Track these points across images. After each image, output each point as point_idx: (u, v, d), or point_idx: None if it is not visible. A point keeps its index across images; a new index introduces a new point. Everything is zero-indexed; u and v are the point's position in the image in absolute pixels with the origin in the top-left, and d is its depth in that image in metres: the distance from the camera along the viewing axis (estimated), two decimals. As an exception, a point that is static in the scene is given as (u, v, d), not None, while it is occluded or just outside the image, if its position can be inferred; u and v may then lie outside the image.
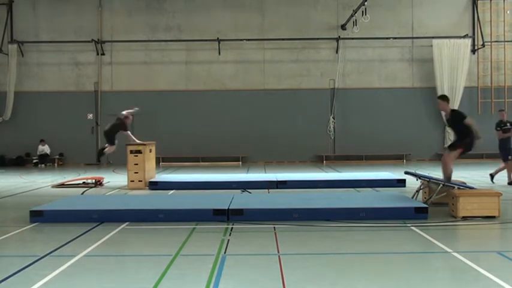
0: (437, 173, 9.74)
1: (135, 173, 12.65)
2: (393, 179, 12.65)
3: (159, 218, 7.94)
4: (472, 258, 5.55)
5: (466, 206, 7.85)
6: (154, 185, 12.52)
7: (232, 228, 7.42)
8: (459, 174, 14.12)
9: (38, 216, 8.00)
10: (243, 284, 4.81)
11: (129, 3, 22.61)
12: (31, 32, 22.67)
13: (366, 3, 18.60)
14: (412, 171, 10.63)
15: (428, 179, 8.95)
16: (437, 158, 20.15)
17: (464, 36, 22.14)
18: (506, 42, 22.37)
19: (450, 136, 22.06)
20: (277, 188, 12.22)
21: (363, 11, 18.88)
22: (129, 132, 13.37)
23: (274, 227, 7.36)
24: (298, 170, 17.39)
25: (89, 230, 7.32)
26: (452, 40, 22.00)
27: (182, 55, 22.66)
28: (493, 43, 22.36)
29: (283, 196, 10.12)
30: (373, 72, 22.62)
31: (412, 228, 7.22)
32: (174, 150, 21.97)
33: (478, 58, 22.54)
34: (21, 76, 22.59)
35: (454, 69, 21.99)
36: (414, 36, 22.37)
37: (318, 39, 22.39)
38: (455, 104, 21.87)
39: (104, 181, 13.82)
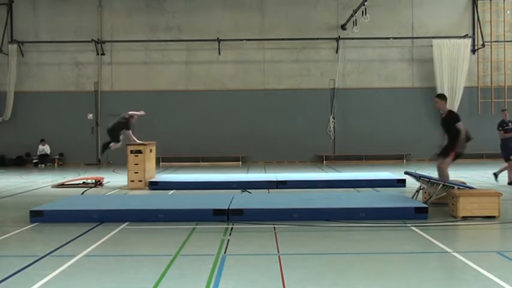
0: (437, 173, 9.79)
1: (135, 173, 12.65)
2: (393, 179, 12.66)
3: (159, 218, 7.94)
4: (472, 258, 5.55)
5: (466, 206, 7.85)
6: (154, 185, 12.52)
7: (232, 228, 7.42)
8: (459, 174, 14.12)
9: (38, 216, 8.00)
10: (243, 284, 4.81)
11: (129, 3, 22.62)
12: (31, 32, 22.68)
13: (366, 3, 18.60)
14: (412, 171, 10.62)
15: (428, 179, 8.94)
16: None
17: (464, 36, 22.14)
18: (506, 42, 22.37)
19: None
20: (277, 188, 12.22)
21: (363, 11, 18.88)
22: (130, 131, 13.36)
23: (274, 227, 7.36)
24: (298, 170, 17.39)
25: (89, 230, 7.31)
26: (452, 40, 22.00)
27: (182, 55, 22.66)
28: (493, 43, 22.36)
29: (283, 196, 10.11)
30: (373, 72, 22.62)
31: (412, 228, 7.22)
32: (174, 150, 21.97)
33: (478, 58, 22.54)
34: (21, 76, 22.60)
35: (454, 69, 21.99)
36: (414, 36, 22.37)
37: (318, 39, 22.39)
38: (455, 104, 21.91)
39: (104, 181, 13.82)
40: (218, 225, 7.56)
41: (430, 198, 8.83)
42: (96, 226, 7.60)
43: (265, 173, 16.41)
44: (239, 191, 11.53)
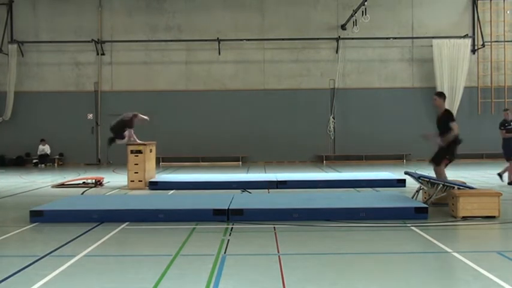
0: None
1: (135, 173, 12.64)
2: (393, 179, 12.65)
3: (159, 218, 7.93)
4: (472, 258, 5.55)
5: (466, 206, 7.85)
6: (154, 185, 12.51)
7: (232, 228, 7.42)
8: (459, 174, 14.13)
9: (38, 216, 8.00)
10: (243, 284, 4.81)
11: (129, 3, 22.62)
12: (31, 32, 22.68)
13: (366, 3, 18.60)
14: (412, 171, 10.62)
15: (428, 179, 8.95)
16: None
17: (464, 36, 22.14)
18: (506, 42, 22.37)
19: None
20: (277, 188, 12.21)
21: (363, 11, 18.89)
22: (132, 130, 13.34)
23: (274, 227, 7.36)
24: (298, 170, 17.39)
25: (89, 230, 7.31)
26: (452, 40, 22.00)
27: (182, 55, 22.67)
28: (493, 43, 22.36)
29: (283, 196, 10.11)
30: (373, 72, 22.63)
31: (412, 228, 7.22)
32: (174, 150, 21.98)
33: (478, 58, 22.55)
34: (21, 76, 22.60)
35: (454, 69, 22.00)
36: (414, 36, 22.37)
37: (318, 39, 22.39)
38: (455, 104, 21.95)
39: (104, 181, 13.82)
40: (218, 225, 7.56)
41: (430, 198, 8.83)
42: (96, 226, 7.60)
43: (265, 173, 16.41)
44: (239, 191, 11.52)
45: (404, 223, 7.55)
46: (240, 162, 21.95)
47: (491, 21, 22.38)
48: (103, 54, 22.64)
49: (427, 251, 6.15)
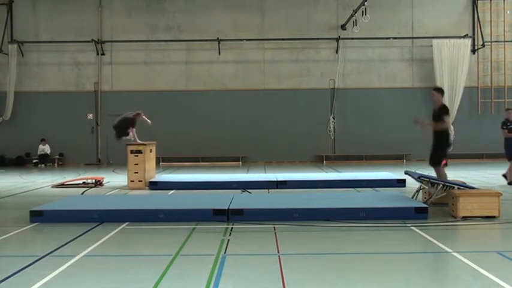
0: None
1: (135, 173, 12.64)
2: (393, 179, 12.65)
3: (159, 218, 7.94)
4: (472, 258, 5.55)
5: (466, 206, 7.85)
6: (154, 185, 12.51)
7: (232, 228, 7.42)
8: (459, 174, 14.13)
9: (38, 216, 8.00)
10: (243, 284, 4.81)
11: (129, 3, 22.62)
12: (31, 32, 22.68)
13: (366, 3, 18.60)
14: (412, 171, 10.62)
15: (428, 179, 8.95)
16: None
17: (464, 36, 22.14)
18: (506, 42, 22.37)
19: (450, 136, 22.04)
20: (277, 188, 12.21)
21: (363, 11, 18.88)
22: (134, 129, 13.33)
23: (274, 227, 7.36)
24: (298, 170, 17.39)
25: (89, 230, 7.31)
26: (452, 40, 22.00)
27: (182, 55, 22.67)
28: (493, 43, 22.36)
29: (283, 196, 10.11)
30: (373, 72, 22.63)
31: (412, 228, 7.22)
32: (174, 150, 21.98)
33: (478, 58, 22.54)
34: (21, 76, 22.60)
35: (454, 69, 22.00)
36: (414, 36, 22.37)
37: (318, 39, 22.39)
38: (455, 104, 21.97)
39: (104, 181, 13.82)
40: (218, 225, 7.56)
41: (430, 198, 8.83)
42: (96, 226, 7.60)
43: (265, 173, 16.41)
44: (239, 191, 11.53)
45: (404, 223, 7.55)
46: (240, 162, 21.95)
47: (491, 21, 22.38)
48: (103, 54, 22.64)
49: (427, 251, 6.15)
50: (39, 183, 14.36)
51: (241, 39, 22.16)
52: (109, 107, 22.18)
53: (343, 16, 22.07)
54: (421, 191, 9.50)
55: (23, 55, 22.60)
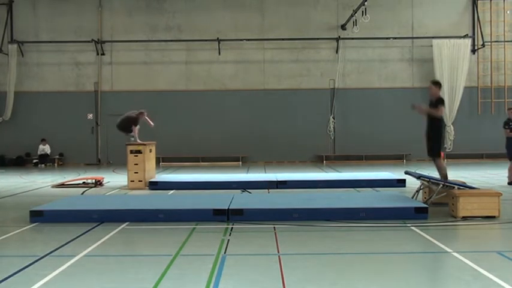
0: (437, 173, 9.82)
1: (135, 173, 12.64)
2: (393, 179, 12.65)
3: (159, 218, 7.94)
4: (472, 258, 5.55)
5: (466, 206, 7.85)
6: (154, 185, 12.51)
7: (232, 228, 7.42)
8: (459, 174, 14.13)
9: (38, 216, 8.00)
10: (243, 284, 4.81)
11: (129, 3, 22.62)
12: (31, 32, 22.68)
13: (366, 3, 18.60)
14: (412, 171, 10.62)
15: (428, 179, 8.96)
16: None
17: (464, 36, 22.14)
18: (506, 42, 22.36)
19: (450, 136, 22.09)
20: (277, 188, 12.21)
21: (363, 11, 18.88)
22: (137, 128, 13.33)
23: (274, 227, 7.36)
24: (298, 170, 17.39)
25: (89, 230, 7.32)
26: (452, 40, 22.00)
27: (182, 55, 22.67)
28: (493, 43, 22.35)
29: (283, 196, 10.12)
30: (373, 72, 22.62)
31: (412, 228, 7.22)
32: (174, 150, 21.98)
33: (478, 58, 22.54)
34: (21, 76, 22.60)
35: (454, 69, 21.99)
36: (414, 36, 22.37)
37: (318, 39, 22.39)
38: (455, 104, 21.98)
39: (104, 181, 13.82)
40: (218, 225, 7.56)
41: (430, 198, 8.83)
42: (96, 226, 7.60)
43: (265, 173, 16.41)
44: (239, 191, 11.53)
45: (404, 223, 7.55)
46: (240, 162, 21.94)
47: (491, 21, 22.37)
48: (103, 54, 22.64)
49: (427, 251, 6.15)
50: (39, 183, 14.36)
51: (241, 39, 22.15)
52: (109, 107, 22.20)
53: (343, 16, 22.07)
54: (421, 191, 9.50)
55: (23, 55, 22.60)
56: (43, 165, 21.72)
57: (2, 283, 4.86)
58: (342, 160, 22.27)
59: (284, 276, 4.99)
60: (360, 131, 22.21)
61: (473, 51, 22.38)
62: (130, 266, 5.56)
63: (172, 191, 11.91)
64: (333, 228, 7.49)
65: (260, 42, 22.43)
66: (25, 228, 7.63)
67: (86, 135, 22.56)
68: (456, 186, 8.52)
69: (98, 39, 22.43)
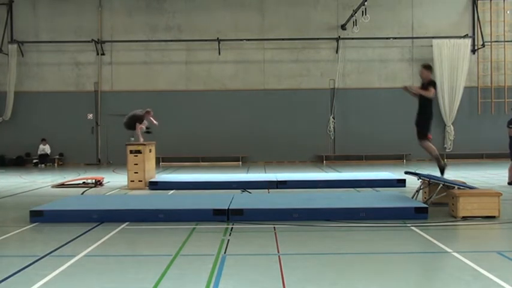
0: (437, 174, 9.83)
1: (135, 173, 12.64)
2: (393, 179, 12.65)
3: (159, 218, 7.94)
4: (472, 258, 5.55)
5: (466, 206, 7.85)
6: (154, 185, 12.51)
7: (232, 228, 7.42)
8: (459, 174, 14.13)
9: (38, 216, 8.00)
10: (243, 284, 4.81)
11: (129, 3, 22.62)
12: (31, 32, 22.68)
13: (366, 3, 18.60)
14: (412, 171, 10.62)
15: (428, 179, 8.95)
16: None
17: (464, 36, 22.14)
18: (506, 42, 22.37)
19: (450, 136, 22.09)
20: (277, 188, 12.21)
21: (363, 11, 18.88)
22: (141, 126, 13.32)
23: (274, 227, 7.36)
24: (298, 170, 17.39)
25: (89, 230, 7.32)
26: (452, 40, 22.00)
27: (182, 55, 22.66)
28: (493, 43, 22.35)
29: (283, 196, 10.11)
30: (373, 72, 22.62)
31: (412, 228, 7.22)
32: (174, 150, 21.98)
33: (478, 58, 22.54)
34: (21, 76, 22.60)
35: (454, 69, 22.00)
36: (414, 36, 22.37)
37: (318, 39, 22.39)
38: (455, 104, 21.98)
39: (104, 181, 13.82)
40: (218, 225, 7.56)
41: (430, 198, 8.83)
42: (96, 226, 7.60)
43: (265, 173, 16.41)
44: (239, 191, 11.53)
45: (404, 223, 7.55)
46: (240, 162, 21.95)
47: (491, 21, 22.37)
48: (103, 54, 22.64)
49: (427, 251, 6.15)
50: (39, 183, 14.36)
51: (241, 39, 22.16)
52: (109, 107, 22.22)
53: (343, 16, 22.07)
54: (421, 191, 9.50)
55: (23, 55, 22.60)
56: (43, 165, 21.72)
57: (2, 283, 4.86)
58: (342, 160, 22.27)
59: (284, 276, 4.99)
60: (360, 131, 22.21)
61: (473, 51, 22.38)
62: (130, 266, 5.56)
63: (172, 191, 11.91)
64: (333, 228, 7.48)
65: (260, 42, 22.43)
66: (25, 228, 7.63)
67: (86, 135, 22.56)
68: (456, 186, 8.53)
69: (98, 39, 22.44)
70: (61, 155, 22.52)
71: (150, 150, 13.48)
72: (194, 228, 7.42)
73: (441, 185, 8.66)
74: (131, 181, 12.66)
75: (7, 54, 22.30)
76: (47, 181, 14.94)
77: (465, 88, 22.09)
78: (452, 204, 8.10)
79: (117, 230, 7.34)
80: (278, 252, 6.01)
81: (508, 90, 22.42)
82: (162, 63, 22.69)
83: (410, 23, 22.50)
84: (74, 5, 22.63)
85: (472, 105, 22.48)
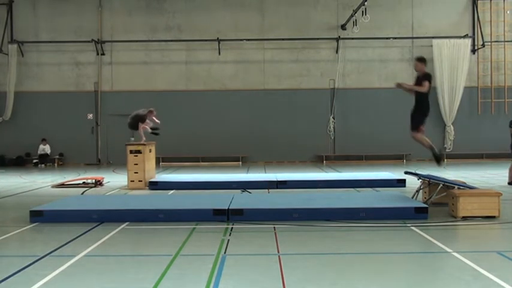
0: (437, 174, 9.83)
1: (135, 173, 12.65)
2: (393, 179, 12.65)
3: (159, 218, 7.94)
4: (472, 258, 5.55)
5: (466, 206, 7.85)
6: (154, 185, 12.52)
7: (232, 228, 7.42)
8: (459, 174, 14.13)
9: (38, 216, 8.00)
10: (243, 284, 4.81)
11: (129, 3, 22.61)
12: (31, 32, 22.67)
13: (366, 3, 18.59)
14: (412, 171, 10.62)
15: (428, 179, 8.95)
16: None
17: (464, 36, 22.14)
18: (506, 42, 22.36)
19: (450, 136, 22.09)
20: (277, 188, 12.22)
21: (363, 11, 18.87)
22: (143, 126, 13.33)
23: (274, 227, 7.37)
24: (298, 170, 17.39)
25: (89, 230, 7.32)
26: (452, 40, 22.00)
27: (182, 55, 22.66)
28: (493, 43, 22.35)
29: (283, 196, 10.11)
30: (373, 72, 22.61)
31: (412, 228, 7.22)
32: (174, 150, 21.97)
33: (478, 58, 22.53)
34: (21, 76, 22.60)
35: (454, 69, 21.99)
36: (414, 36, 22.36)
37: (318, 39, 22.38)
38: (455, 104, 21.97)
39: (104, 181, 13.82)
40: (218, 225, 7.56)
41: (430, 198, 8.83)
42: (96, 226, 7.60)
43: (265, 173, 16.41)
44: (239, 191, 11.53)
45: (404, 223, 7.55)
46: (240, 162, 21.94)
47: (491, 21, 22.37)
48: (103, 54, 22.64)
49: (427, 251, 6.15)
50: (39, 183, 14.36)
51: (241, 39, 22.15)
52: (109, 107, 22.22)
53: (343, 16, 22.07)
54: (421, 191, 9.50)
55: (23, 55, 22.60)
56: (43, 165, 21.72)
57: (2, 283, 4.86)
58: (342, 160, 22.27)
59: (284, 276, 4.99)
60: (360, 131, 22.21)
61: (473, 51, 22.38)
62: (130, 266, 5.56)
63: (172, 191, 11.91)
64: (333, 228, 7.49)
65: (260, 42, 22.43)
66: (25, 228, 7.63)
67: (86, 135, 22.55)
68: (456, 186, 8.53)
69: (98, 39, 22.43)
70: (61, 155, 22.52)
71: (150, 150, 13.48)
72: (194, 228, 7.42)
73: (441, 185, 8.67)
74: (131, 181, 12.67)
75: (7, 54, 22.29)
76: (47, 181, 14.94)
77: (465, 88, 22.09)
78: (452, 204, 8.10)
79: (117, 230, 7.34)
80: (278, 252, 6.01)
81: (508, 90, 22.42)
82: (162, 63, 22.69)
83: (410, 23, 22.50)
84: (74, 5, 22.63)
85: (472, 105, 22.48)
